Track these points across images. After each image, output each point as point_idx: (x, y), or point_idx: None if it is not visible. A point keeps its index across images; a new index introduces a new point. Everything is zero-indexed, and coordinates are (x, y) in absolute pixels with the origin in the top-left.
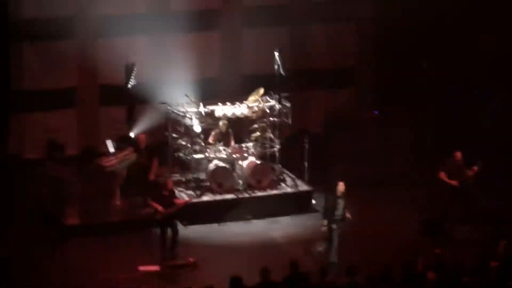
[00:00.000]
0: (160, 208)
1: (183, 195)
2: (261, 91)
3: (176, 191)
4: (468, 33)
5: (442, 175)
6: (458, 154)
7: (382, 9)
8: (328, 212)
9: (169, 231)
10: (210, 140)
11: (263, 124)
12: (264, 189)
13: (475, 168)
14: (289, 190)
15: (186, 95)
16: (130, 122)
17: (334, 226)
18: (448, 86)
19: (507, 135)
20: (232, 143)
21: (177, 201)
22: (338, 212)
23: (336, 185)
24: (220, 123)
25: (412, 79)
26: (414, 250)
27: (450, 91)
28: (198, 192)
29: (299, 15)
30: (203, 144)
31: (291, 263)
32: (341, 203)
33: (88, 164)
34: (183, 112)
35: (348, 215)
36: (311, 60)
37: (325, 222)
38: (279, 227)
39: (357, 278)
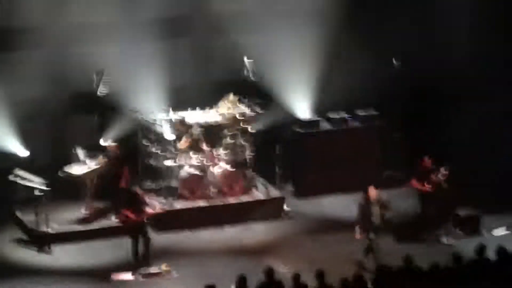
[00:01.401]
0: (132, 216)
1: (155, 203)
2: (231, 97)
3: (148, 199)
4: None
5: (414, 182)
6: (427, 159)
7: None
8: (365, 221)
9: (141, 239)
10: (182, 147)
11: (235, 131)
12: (236, 195)
13: (445, 171)
14: (261, 196)
15: (157, 102)
16: (101, 130)
17: (371, 235)
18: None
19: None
20: (204, 150)
21: (149, 209)
22: (375, 220)
23: (366, 191)
24: (192, 130)
25: (383, 80)
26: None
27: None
28: (171, 200)
29: (268, 22)
30: (174, 151)
31: (266, 270)
32: (376, 209)
33: (59, 172)
34: (154, 119)
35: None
36: (282, 65)
37: (371, 234)
38: (252, 234)
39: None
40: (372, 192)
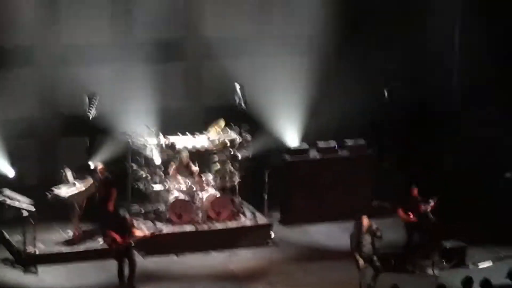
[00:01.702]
0: (118, 238)
1: (143, 227)
2: (222, 123)
3: (136, 222)
4: None
5: (400, 212)
6: (415, 190)
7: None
8: (356, 250)
9: (126, 262)
10: (171, 171)
11: (224, 157)
12: (223, 221)
13: (432, 203)
14: (248, 223)
15: (147, 126)
16: (90, 152)
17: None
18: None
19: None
20: (193, 174)
21: (136, 232)
22: (365, 249)
23: (360, 220)
24: (181, 154)
25: (373, 109)
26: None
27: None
28: (159, 225)
29: (260, 48)
30: (163, 175)
31: None
32: (367, 239)
33: (46, 193)
34: (144, 143)
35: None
36: (272, 92)
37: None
38: (238, 260)
39: None
40: (365, 221)
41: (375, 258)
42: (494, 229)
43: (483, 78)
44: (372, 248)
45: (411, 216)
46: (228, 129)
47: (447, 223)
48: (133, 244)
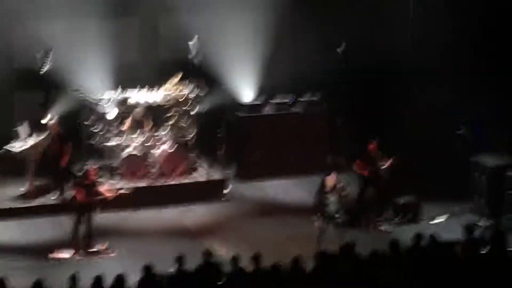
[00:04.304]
0: (81, 196)
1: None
2: (177, 78)
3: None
4: None
5: (356, 165)
6: (372, 145)
7: None
8: (318, 209)
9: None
10: (125, 127)
11: (178, 112)
12: (177, 177)
13: (390, 160)
14: (202, 178)
15: (101, 81)
16: (44, 107)
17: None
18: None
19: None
20: (147, 130)
21: (102, 190)
22: (330, 208)
23: (324, 179)
24: (136, 110)
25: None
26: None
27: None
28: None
29: (216, 3)
30: (116, 131)
31: (205, 252)
32: (331, 198)
33: (1, 149)
34: (98, 99)
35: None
36: (227, 48)
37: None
38: (192, 215)
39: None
40: (330, 180)
41: (337, 215)
42: (448, 185)
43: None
44: (336, 206)
45: (366, 169)
46: (182, 84)
47: (401, 180)
48: (98, 204)
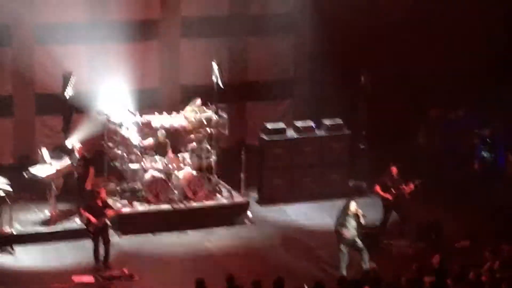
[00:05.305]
0: (91, 218)
1: (118, 205)
2: (198, 101)
3: (110, 201)
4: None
5: (377, 189)
6: (394, 169)
7: (320, 22)
8: (340, 233)
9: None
10: (147, 151)
11: (200, 135)
12: (200, 200)
13: (412, 185)
14: (224, 201)
15: (124, 105)
16: (67, 131)
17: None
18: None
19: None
20: (169, 153)
21: (108, 211)
22: (351, 232)
23: (347, 203)
24: (158, 133)
25: (349, 93)
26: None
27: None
28: (130, 201)
29: (238, 27)
30: (139, 154)
31: (227, 277)
32: (351, 222)
33: (23, 173)
34: (120, 122)
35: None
36: (248, 72)
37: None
38: (215, 239)
39: None
40: (352, 206)
41: (357, 239)
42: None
43: None
44: (355, 231)
45: (387, 193)
46: (204, 108)
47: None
48: (109, 224)
